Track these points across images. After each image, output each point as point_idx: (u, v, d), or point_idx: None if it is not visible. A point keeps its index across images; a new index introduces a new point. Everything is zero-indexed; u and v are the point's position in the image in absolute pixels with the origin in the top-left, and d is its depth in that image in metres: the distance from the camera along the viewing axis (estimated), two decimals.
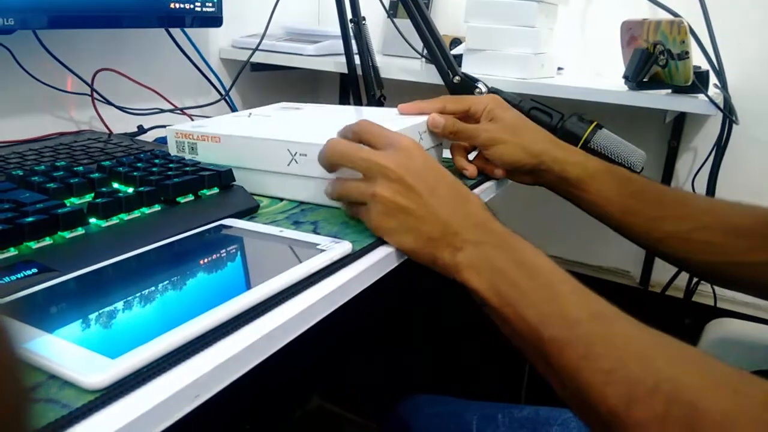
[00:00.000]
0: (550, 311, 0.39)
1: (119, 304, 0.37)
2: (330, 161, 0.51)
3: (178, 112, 0.94)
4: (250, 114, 0.73)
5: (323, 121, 0.70)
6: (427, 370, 1.30)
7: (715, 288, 1.12)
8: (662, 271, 1.20)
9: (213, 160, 0.60)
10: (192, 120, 0.92)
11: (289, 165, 0.57)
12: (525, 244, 0.44)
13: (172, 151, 0.64)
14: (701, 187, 1.08)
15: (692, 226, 0.60)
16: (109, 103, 0.87)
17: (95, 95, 0.85)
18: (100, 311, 0.36)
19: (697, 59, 0.93)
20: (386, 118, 0.64)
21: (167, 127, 0.65)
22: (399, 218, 0.46)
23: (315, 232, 0.50)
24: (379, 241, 0.48)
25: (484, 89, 0.83)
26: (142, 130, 0.87)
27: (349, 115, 0.76)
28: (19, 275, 0.39)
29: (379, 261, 0.46)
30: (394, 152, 0.48)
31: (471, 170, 0.69)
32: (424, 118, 0.66)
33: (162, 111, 0.92)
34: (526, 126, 0.66)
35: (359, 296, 0.44)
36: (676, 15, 1.01)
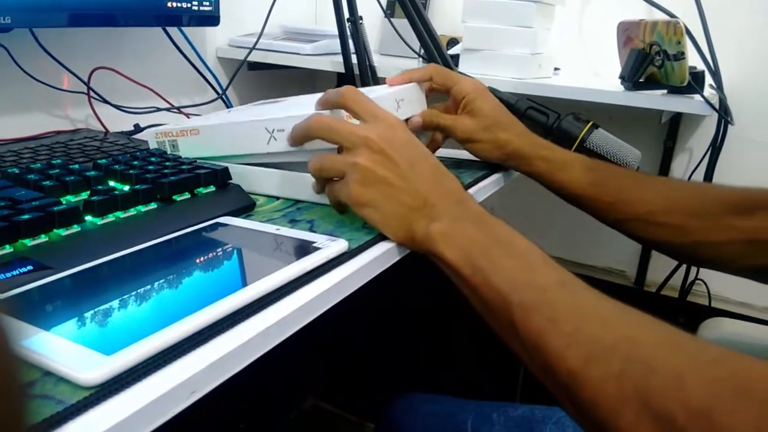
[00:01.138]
0: (519, 279, 0.40)
1: (115, 302, 0.37)
2: (311, 133, 0.51)
3: (175, 110, 0.94)
4: (230, 111, 0.73)
5: (302, 104, 0.70)
6: (422, 369, 1.30)
7: (710, 288, 1.13)
8: (657, 271, 1.21)
9: (195, 154, 0.60)
10: (189, 119, 0.92)
11: (268, 143, 0.56)
12: (501, 222, 0.45)
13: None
14: None
15: (653, 208, 0.63)
16: (105, 101, 0.87)
17: (92, 94, 0.85)
18: (96, 308, 0.36)
19: (693, 60, 0.93)
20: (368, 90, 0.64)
21: (147, 130, 0.66)
22: (377, 188, 0.46)
23: (311, 230, 0.50)
24: (375, 240, 0.48)
25: None
26: (138, 128, 0.87)
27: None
28: (14, 272, 0.39)
29: (375, 259, 0.46)
30: (376, 125, 0.48)
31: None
32: (404, 86, 0.66)
33: (159, 110, 0.92)
34: (500, 121, 0.68)
35: (354, 294, 0.44)
36: (672, 16, 1.01)
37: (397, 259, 0.49)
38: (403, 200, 0.46)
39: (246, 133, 0.57)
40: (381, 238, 0.48)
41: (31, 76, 0.80)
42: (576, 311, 0.37)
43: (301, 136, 0.53)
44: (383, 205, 0.47)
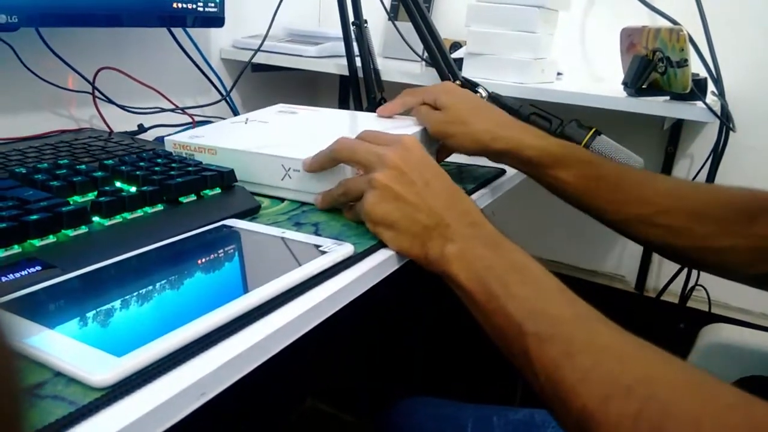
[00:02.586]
0: (534, 308, 0.39)
1: (124, 303, 0.37)
2: (336, 155, 0.53)
3: (179, 111, 0.95)
4: (247, 120, 0.73)
5: (318, 132, 0.71)
6: (422, 371, 1.30)
7: (710, 294, 1.13)
8: (657, 276, 1.21)
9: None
10: (193, 120, 0.93)
11: (282, 179, 0.58)
12: (516, 247, 0.45)
13: None
14: None
15: (654, 209, 0.60)
16: (110, 101, 0.87)
17: (96, 93, 0.85)
18: (105, 310, 0.36)
19: (696, 67, 0.94)
20: (384, 126, 0.65)
21: (165, 138, 0.66)
22: (393, 204, 0.47)
23: (316, 233, 0.51)
24: (381, 243, 0.48)
25: (484, 93, 0.83)
26: (142, 129, 0.87)
27: (344, 121, 0.77)
28: (23, 272, 0.39)
29: (380, 263, 0.47)
30: (395, 146, 0.50)
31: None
32: (417, 128, 0.69)
33: (163, 110, 0.92)
34: (473, 111, 0.66)
35: (356, 297, 0.45)
36: (675, 23, 1.02)
37: (403, 263, 0.49)
38: (418, 218, 0.46)
39: (263, 165, 0.59)
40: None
41: (37, 75, 0.80)
42: (593, 346, 0.37)
43: (327, 160, 0.54)
44: (398, 222, 0.47)
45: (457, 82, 0.85)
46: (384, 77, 1.02)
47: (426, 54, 0.94)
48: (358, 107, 1.04)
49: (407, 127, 0.68)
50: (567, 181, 0.63)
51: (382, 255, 0.47)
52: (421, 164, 0.49)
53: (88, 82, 0.85)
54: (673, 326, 1.15)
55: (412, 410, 0.77)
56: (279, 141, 0.63)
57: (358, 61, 1.01)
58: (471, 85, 0.84)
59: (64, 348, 0.31)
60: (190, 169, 0.55)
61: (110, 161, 0.57)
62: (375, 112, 0.76)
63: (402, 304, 1.21)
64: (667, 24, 1.02)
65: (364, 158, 0.50)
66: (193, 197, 0.53)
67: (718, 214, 0.58)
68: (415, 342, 1.33)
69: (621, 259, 1.25)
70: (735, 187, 0.61)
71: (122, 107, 0.88)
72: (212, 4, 0.89)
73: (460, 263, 0.44)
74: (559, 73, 1.11)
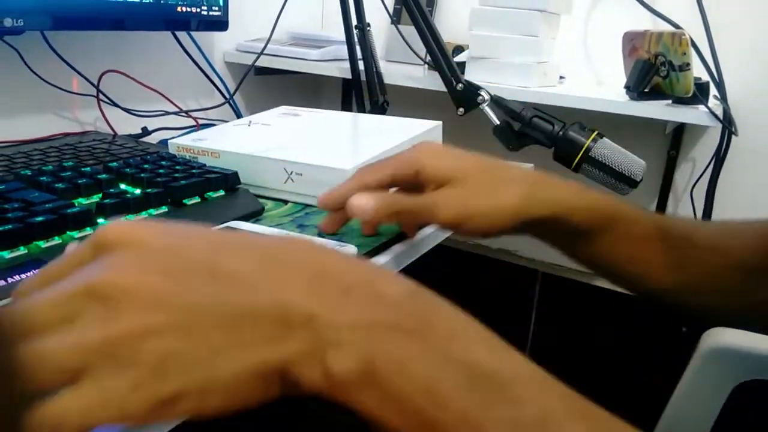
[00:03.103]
0: None
1: None
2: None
3: (183, 114, 0.95)
4: (250, 123, 0.74)
5: (320, 134, 0.71)
6: None
7: None
8: None
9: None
10: (197, 123, 0.93)
11: (285, 183, 0.58)
12: (469, 325, 0.26)
13: None
14: (700, 197, 1.09)
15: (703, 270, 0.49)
16: (114, 104, 0.87)
17: (101, 96, 0.86)
18: None
19: (698, 71, 0.94)
20: (401, 131, 0.65)
21: (169, 140, 0.66)
22: (174, 360, 0.23)
23: (319, 235, 0.51)
24: (385, 245, 0.49)
25: (486, 97, 0.83)
26: (146, 131, 0.88)
27: (346, 123, 0.77)
28: (29, 274, 0.39)
29: (384, 264, 0.47)
30: (99, 262, 0.25)
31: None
32: (419, 131, 0.66)
33: (166, 113, 0.93)
34: (486, 171, 0.46)
35: None
36: (677, 27, 1.02)
37: (407, 264, 0.49)
38: (243, 331, 0.24)
39: (265, 168, 0.59)
40: (391, 242, 0.49)
41: (42, 78, 0.81)
42: None
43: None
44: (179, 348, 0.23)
45: (460, 85, 0.85)
46: (387, 80, 1.03)
47: (429, 57, 0.94)
48: (361, 110, 1.04)
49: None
50: (615, 250, 0.50)
51: (385, 257, 0.48)
52: (172, 247, 0.25)
53: (93, 85, 0.85)
54: (676, 330, 1.15)
55: None
56: (282, 144, 0.63)
57: (360, 65, 1.02)
58: (473, 89, 0.84)
59: None
60: (194, 171, 0.56)
61: (115, 164, 0.58)
62: (377, 114, 0.75)
63: None
64: (669, 28, 1.03)
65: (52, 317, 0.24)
66: (197, 199, 0.53)
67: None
68: None
69: None
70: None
71: (126, 110, 0.89)
72: (216, 8, 0.89)
73: (367, 385, 0.24)
74: (561, 77, 1.11)
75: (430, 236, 0.55)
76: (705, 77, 0.96)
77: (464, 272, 1.39)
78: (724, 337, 0.98)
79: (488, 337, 0.26)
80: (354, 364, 0.24)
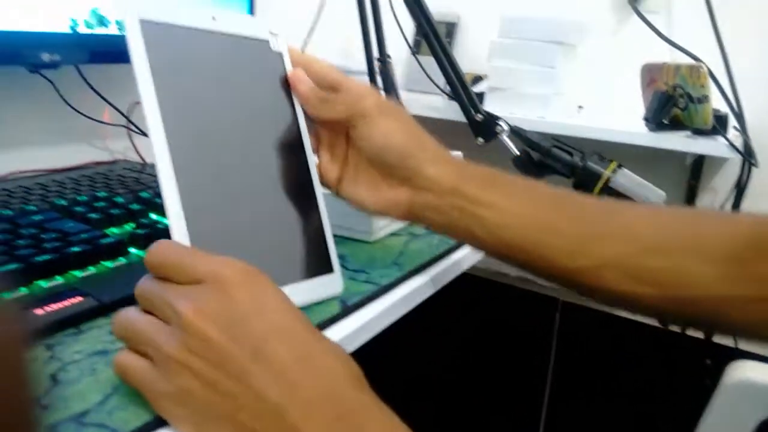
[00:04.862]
0: None
1: None
2: (116, 332, 0.33)
3: None
4: None
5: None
6: (436, 420, 1.29)
7: None
8: None
9: None
10: None
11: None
12: None
13: None
14: None
15: (639, 247, 0.41)
16: (143, 134, 0.90)
17: (131, 126, 0.88)
18: None
19: (717, 102, 0.94)
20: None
21: None
22: (193, 405, 0.28)
23: (342, 266, 0.52)
24: (406, 276, 0.49)
25: (506, 127, 0.84)
26: None
27: None
28: (65, 302, 0.41)
29: (404, 297, 0.48)
30: (202, 288, 0.30)
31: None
32: None
33: None
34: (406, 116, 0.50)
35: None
36: (696, 58, 1.03)
37: (429, 295, 0.50)
38: (240, 419, 0.27)
39: None
40: (412, 274, 0.49)
41: (75, 109, 0.84)
42: None
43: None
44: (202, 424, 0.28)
45: (479, 115, 0.87)
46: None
47: (448, 87, 0.96)
48: None
49: None
50: (521, 213, 0.43)
51: (404, 289, 0.48)
52: (249, 315, 0.29)
53: (123, 115, 0.88)
54: (699, 362, 1.13)
55: None
56: None
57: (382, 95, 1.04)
58: (493, 119, 0.86)
59: None
60: None
61: (145, 193, 0.59)
62: None
63: (427, 329, 1.21)
64: (687, 60, 1.03)
65: (156, 308, 0.31)
66: None
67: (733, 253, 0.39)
68: (430, 390, 1.32)
69: None
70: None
71: None
72: None
73: None
74: (579, 107, 1.13)
75: (451, 267, 0.55)
76: (724, 109, 0.97)
77: (484, 300, 1.38)
78: (748, 372, 0.96)
79: None
80: None
